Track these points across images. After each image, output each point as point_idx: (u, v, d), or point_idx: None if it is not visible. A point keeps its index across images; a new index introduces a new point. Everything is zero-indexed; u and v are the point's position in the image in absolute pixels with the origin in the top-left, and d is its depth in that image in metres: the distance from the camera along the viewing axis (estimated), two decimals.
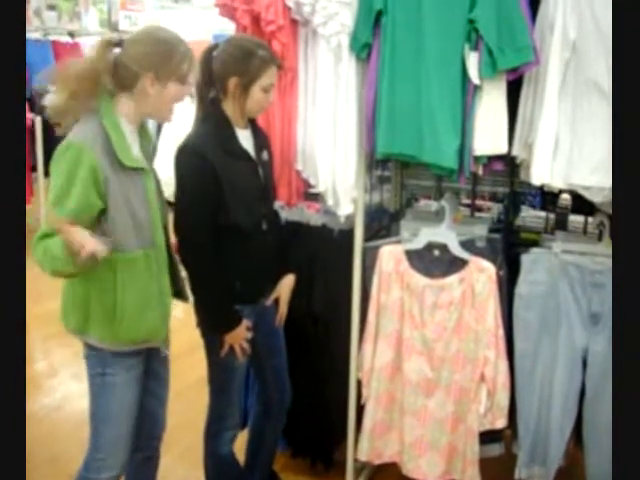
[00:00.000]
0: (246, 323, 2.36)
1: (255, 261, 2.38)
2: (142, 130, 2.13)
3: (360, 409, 2.73)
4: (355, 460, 2.84)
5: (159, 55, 1.97)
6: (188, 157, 2.25)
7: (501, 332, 2.46)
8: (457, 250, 2.50)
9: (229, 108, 2.31)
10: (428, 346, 2.53)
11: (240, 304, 2.37)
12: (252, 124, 2.42)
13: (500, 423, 2.51)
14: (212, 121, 2.31)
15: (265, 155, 2.42)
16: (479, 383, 2.48)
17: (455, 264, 2.50)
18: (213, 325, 2.37)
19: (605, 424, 2.43)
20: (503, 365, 2.47)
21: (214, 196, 2.23)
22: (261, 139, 2.44)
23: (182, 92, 2.04)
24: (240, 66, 2.25)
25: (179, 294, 2.26)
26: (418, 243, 2.55)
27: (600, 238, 2.50)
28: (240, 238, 2.32)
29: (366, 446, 2.67)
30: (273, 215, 2.50)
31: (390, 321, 2.57)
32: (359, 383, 2.72)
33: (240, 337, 2.35)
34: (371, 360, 2.63)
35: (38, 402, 3.62)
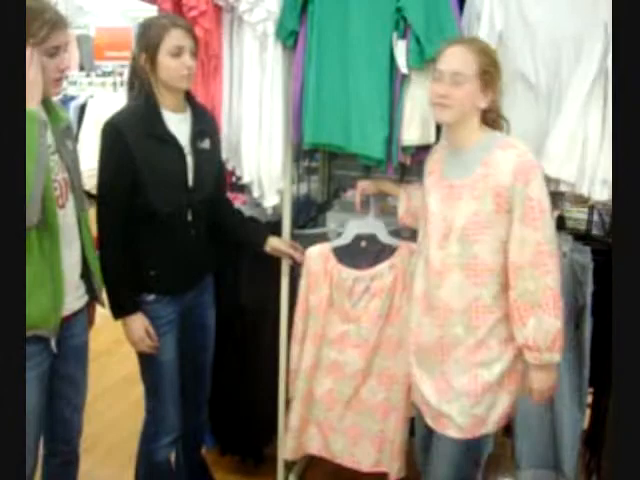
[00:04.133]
0: (144, 320, 2.27)
1: (174, 251, 2.30)
2: (49, 108, 2.00)
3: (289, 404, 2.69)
4: None
5: None
6: (107, 134, 2.20)
7: None
8: (386, 238, 2.49)
9: (157, 89, 2.24)
10: (363, 337, 2.51)
11: (156, 294, 2.30)
12: (194, 108, 2.34)
13: None
14: (139, 101, 2.25)
15: (205, 143, 2.33)
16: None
17: (382, 254, 2.48)
18: (110, 307, 2.27)
19: (532, 411, 2.50)
20: None
21: (128, 176, 2.17)
22: (204, 126, 2.34)
23: (44, 63, 1.83)
24: (142, 40, 2.21)
25: (94, 296, 2.18)
26: (346, 238, 2.53)
27: None
28: (158, 225, 2.24)
29: (291, 445, 2.65)
30: (208, 206, 2.39)
31: (315, 320, 2.54)
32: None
33: (136, 330, 2.26)
34: (297, 361, 2.60)
35: None
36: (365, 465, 2.61)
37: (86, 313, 2.19)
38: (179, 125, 2.27)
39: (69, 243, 2.03)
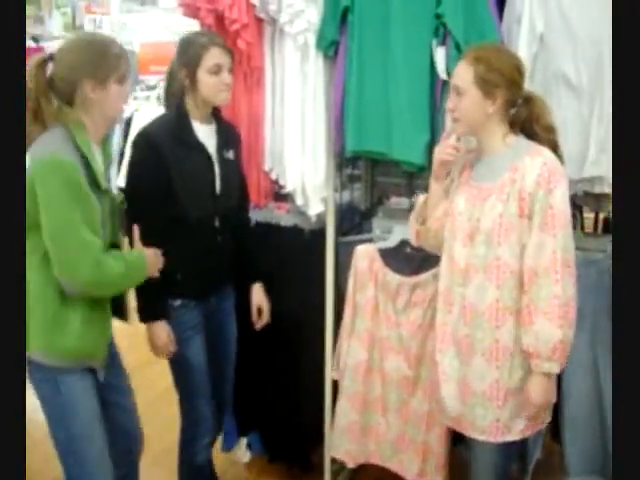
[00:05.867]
0: (167, 327, 2.30)
1: (201, 256, 2.34)
2: (105, 146, 2.11)
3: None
4: (333, 461, 2.81)
5: (95, 59, 1.94)
6: (138, 143, 2.26)
7: None
8: None
9: (190, 102, 2.30)
10: (404, 344, 2.51)
11: (183, 299, 2.34)
12: (219, 121, 2.39)
13: None
14: (169, 112, 2.35)
15: (230, 154, 2.39)
16: None
17: (427, 261, 2.47)
18: (138, 310, 2.30)
19: (582, 416, 2.46)
20: None
21: (160, 183, 2.22)
22: (228, 137, 2.41)
23: (124, 91, 2.03)
24: (182, 57, 2.28)
25: (118, 311, 2.22)
26: (392, 241, 2.54)
27: None
28: (186, 230, 2.29)
29: (339, 445, 2.66)
30: (233, 216, 2.44)
31: (363, 320, 2.56)
32: (335, 383, 2.70)
33: (161, 336, 2.29)
34: (345, 358, 2.61)
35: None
36: (410, 474, 2.60)
37: None
38: (206, 135, 2.33)
39: None
